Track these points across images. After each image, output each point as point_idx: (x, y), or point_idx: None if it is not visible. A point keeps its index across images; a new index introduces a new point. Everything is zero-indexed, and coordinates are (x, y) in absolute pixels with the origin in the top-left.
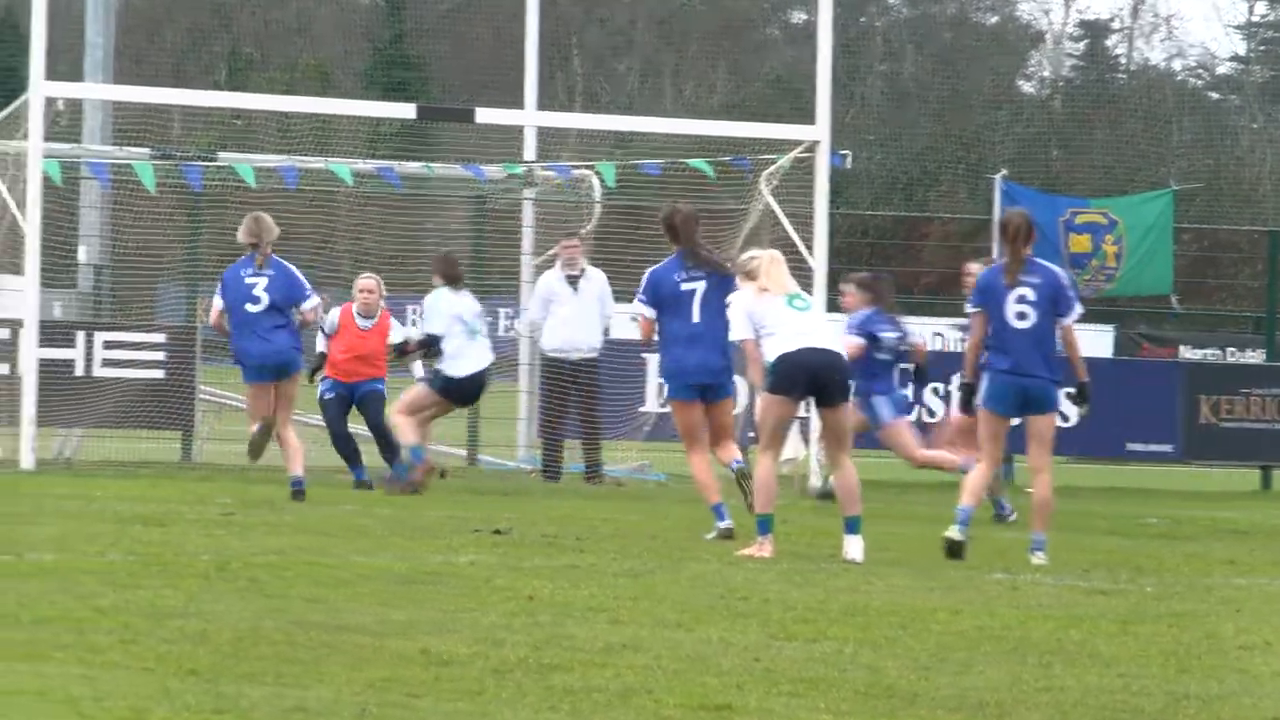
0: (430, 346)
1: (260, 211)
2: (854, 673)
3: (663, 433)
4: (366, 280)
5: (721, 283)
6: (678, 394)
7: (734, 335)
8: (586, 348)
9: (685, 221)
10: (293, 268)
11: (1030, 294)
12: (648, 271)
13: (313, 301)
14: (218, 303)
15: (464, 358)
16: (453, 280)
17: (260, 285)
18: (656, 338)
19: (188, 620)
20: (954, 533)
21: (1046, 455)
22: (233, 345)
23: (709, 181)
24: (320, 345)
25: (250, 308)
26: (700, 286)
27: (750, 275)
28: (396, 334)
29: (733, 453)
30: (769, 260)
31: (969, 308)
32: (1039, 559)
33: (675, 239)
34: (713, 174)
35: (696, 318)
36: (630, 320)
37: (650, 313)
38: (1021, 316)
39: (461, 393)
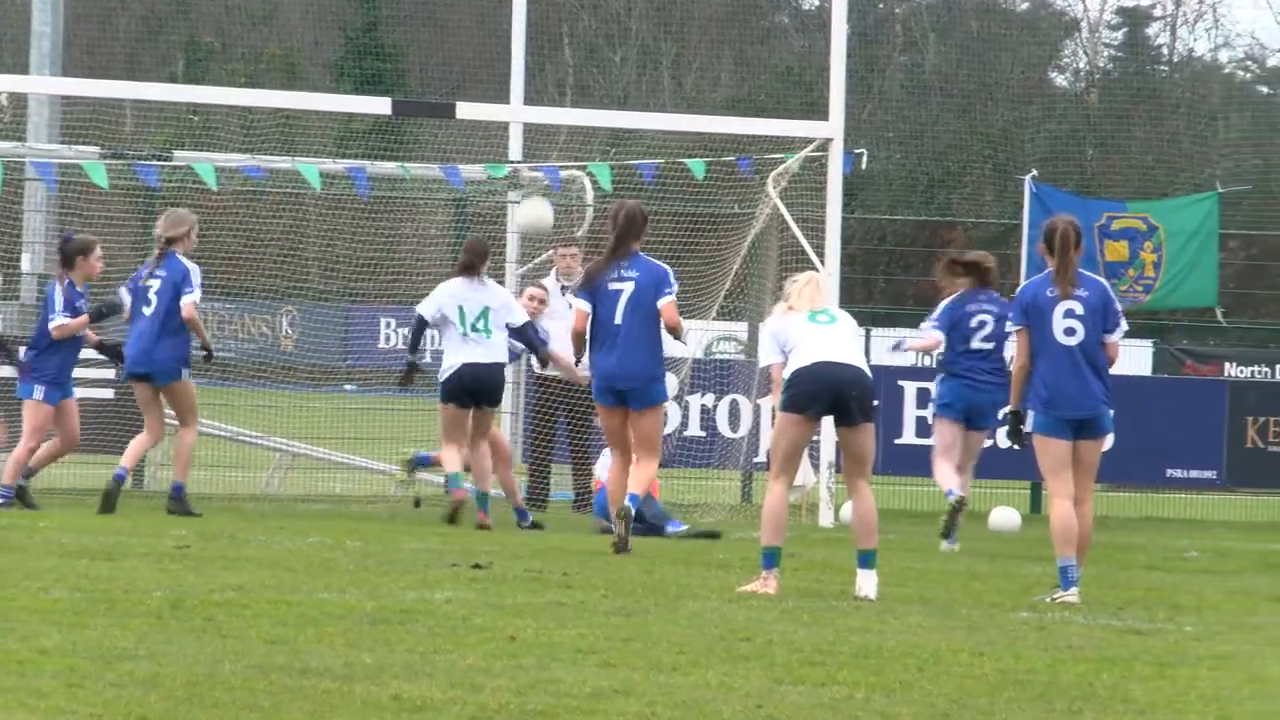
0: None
1: (183, 208)
2: None
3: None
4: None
5: (652, 285)
6: (598, 398)
7: (762, 360)
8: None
9: (628, 219)
10: (189, 265)
11: (1079, 308)
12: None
13: (189, 297)
14: (126, 298)
15: None
16: None
17: (154, 288)
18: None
19: (138, 663)
20: (1070, 596)
21: (1089, 484)
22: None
23: (708, 183)
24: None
25: (145, 310)
26: (629, 288)
27: (786, 298)
28: None
29: (638, 483)
30: (804, 281)
31: (1009, 326)
32: (1071, 596)
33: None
34: (701, 174)
35: (619, 319)
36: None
37: (585, 305)
38: (1070, 332)
39: None
